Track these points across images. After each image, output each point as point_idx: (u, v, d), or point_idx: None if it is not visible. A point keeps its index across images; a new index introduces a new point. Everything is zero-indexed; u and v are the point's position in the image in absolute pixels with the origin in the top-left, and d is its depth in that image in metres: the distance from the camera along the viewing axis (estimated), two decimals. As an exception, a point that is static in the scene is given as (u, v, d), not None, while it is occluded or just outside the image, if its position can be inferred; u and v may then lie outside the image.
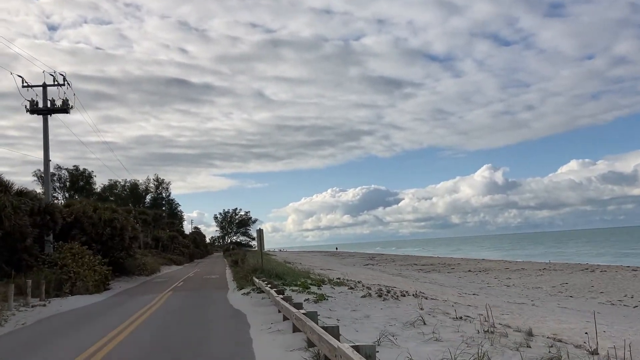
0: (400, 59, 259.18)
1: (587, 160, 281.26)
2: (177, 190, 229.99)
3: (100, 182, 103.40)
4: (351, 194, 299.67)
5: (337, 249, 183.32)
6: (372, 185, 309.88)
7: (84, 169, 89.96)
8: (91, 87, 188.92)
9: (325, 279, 22.99)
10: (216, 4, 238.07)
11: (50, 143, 29.53)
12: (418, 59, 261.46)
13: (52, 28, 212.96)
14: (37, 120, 29.39)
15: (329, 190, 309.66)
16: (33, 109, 29.76)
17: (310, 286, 18.95)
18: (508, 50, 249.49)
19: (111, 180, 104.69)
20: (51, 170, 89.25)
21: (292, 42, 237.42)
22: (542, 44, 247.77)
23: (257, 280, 18.47)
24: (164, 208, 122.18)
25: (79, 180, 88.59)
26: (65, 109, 30.23)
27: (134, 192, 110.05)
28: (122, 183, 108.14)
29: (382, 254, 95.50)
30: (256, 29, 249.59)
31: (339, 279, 23.36)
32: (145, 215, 59.62)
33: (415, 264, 55.32)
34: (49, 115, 30.14)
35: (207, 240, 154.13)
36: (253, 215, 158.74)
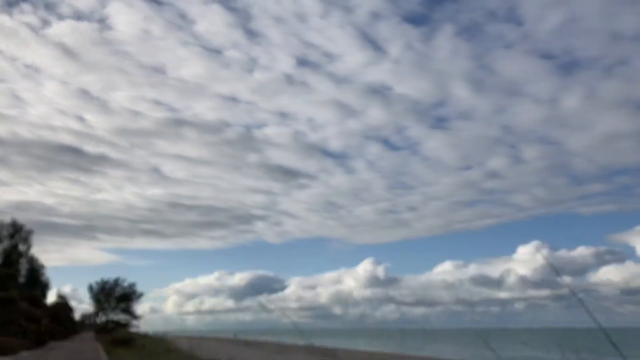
0: (298, 151, 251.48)
1: (460, 262, 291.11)
2: (53, 262, 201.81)
3: None
4: (238, 278, 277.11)
5: (235, 335, 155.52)
6: (260, 271, 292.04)
7: None
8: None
9: None
10: (122, 77, 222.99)
11: None
12: (315, 153, 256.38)
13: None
14: None
15: (216, 273, 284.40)
16: None
17: None
18: (396, 154, 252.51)
19: None
20: None
21: (195, 123, 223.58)
22: (427, 152, 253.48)
23: None
24: (20, 267, 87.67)
25: None
26: None
27: (-29, 237, 74.93)
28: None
29: (330, 349, 67.77)
30: (160, 106, 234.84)
31: None
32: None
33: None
34: None
35: (78, 317, 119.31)
36: (140, 288, 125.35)
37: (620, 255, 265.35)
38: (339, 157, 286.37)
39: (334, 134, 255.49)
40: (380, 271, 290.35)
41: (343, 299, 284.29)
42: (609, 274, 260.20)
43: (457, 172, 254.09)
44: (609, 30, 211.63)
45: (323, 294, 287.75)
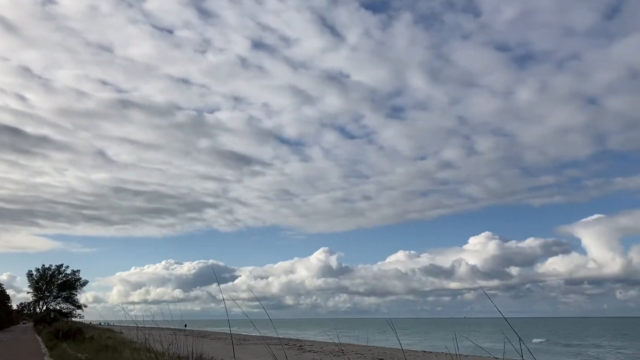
0: (252, 137, 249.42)
1: (412, 252, 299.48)
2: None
3: None
4: (186, 268, 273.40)
5: (185, 326, 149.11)
6: (210, 260, 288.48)
7: None
8: None
9: None
10: (66, 55, 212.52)
11: None
12: (270, 140, 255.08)
13: None
14: None
15: (163, 262, 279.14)
16: None
17: None
18: (352, 143, 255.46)
19: None
20: None
21: (144, 105, 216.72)
22: (382, 141, 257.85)
23: None
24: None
25: None
26: None
27: None
28: None
29: (306, 341, 65.66)
30: (106, 87, 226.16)
31: None
32: None
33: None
34: None
35: (15, 307, 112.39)
36: (83, 276, 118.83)
37: (567, 246, 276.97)
38: (295, 145, 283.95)
39: (290, 121, 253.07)
40: (334, 261, 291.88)
41: (295, 289, 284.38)
42: (555, 265, 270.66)
43: (412, 162, 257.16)
44: (562, 24, 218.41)
45: (275, 284, 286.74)
